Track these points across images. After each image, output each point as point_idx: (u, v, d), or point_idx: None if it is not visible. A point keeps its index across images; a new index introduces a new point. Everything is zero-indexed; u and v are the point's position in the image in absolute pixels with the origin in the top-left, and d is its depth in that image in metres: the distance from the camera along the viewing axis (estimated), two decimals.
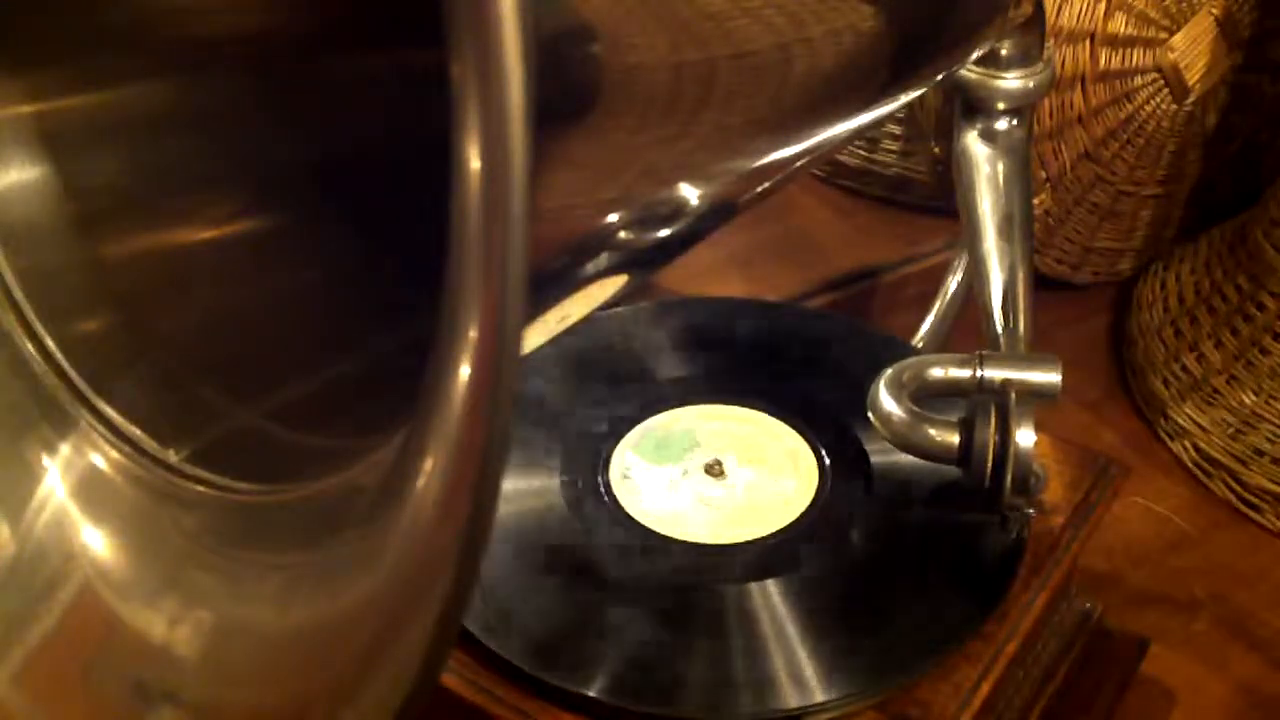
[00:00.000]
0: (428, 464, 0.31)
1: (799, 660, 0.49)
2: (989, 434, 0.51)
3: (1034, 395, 0.53)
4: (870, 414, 0.54)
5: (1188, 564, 0.74)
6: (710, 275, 0.91)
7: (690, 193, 0.41)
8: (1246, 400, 0.78)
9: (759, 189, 0.46)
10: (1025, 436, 0.51)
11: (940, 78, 0.57)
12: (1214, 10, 0.86)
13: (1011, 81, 0.61)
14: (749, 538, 0.54)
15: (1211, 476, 0.79)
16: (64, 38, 0.47)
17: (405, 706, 0.31)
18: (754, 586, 0.52)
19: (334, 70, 0.54)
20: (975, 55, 0.59)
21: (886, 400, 0.53)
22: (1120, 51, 0.84)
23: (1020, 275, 0.61)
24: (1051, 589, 0.54)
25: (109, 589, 0.44)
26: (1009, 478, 0.51)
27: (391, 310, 0.48)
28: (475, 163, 0.27)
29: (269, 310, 0.51)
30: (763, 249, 0.97)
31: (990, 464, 0.51)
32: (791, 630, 0.50)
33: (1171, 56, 0.85)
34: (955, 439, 0.52)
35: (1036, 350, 0.59)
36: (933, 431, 0.53)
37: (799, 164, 0.47)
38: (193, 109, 0.51)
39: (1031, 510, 0.54)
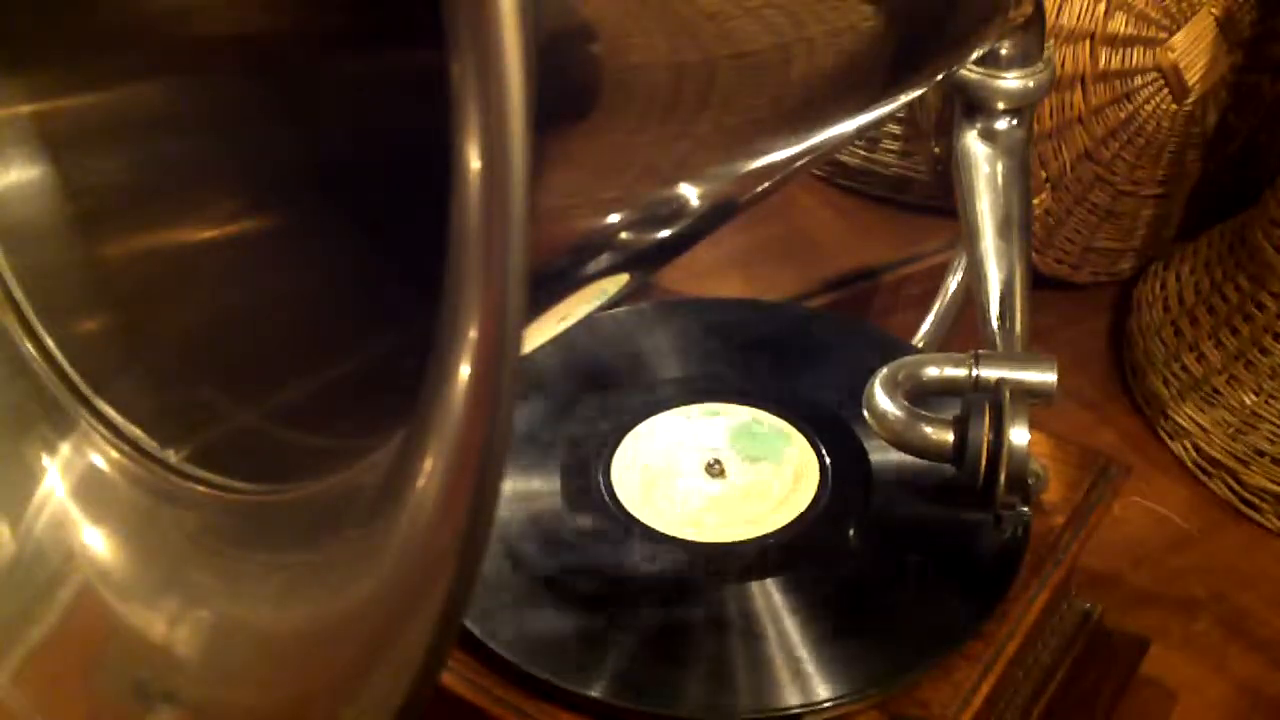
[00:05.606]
0: (428, 464, 0.31)
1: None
2: (983, 432, 0.51)
3: (1030, 395, 0.53)
4: (866, 412, 0.54)
5: (1188, 564, 0.74)
6: (710, 275, 0.91)
7: (690, 192, 0.41)
8: (1246, 400, 0.78)
9: (759, 189, 0.46)
10: (1019, 435, 0.51)
11: (940, 78, 0.57)
12: (1214, 10, 0.86)
13: (1011, 81, 0.61)
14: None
15: (1211, 476, 0.79)
16: (64, 38, 0.47)
17: (405, 706, 0.31)
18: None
19: (334, 70, 0.54)
20: (975, 55, 0.59)
21: (881, 398, 0.53)
22: (1120, 51, 0.84)
23: (1018, 275, 0.61)
24: (1051, 589, 0.54)
25: (109, 589, 0.44)
26: (1003, 476, 0.51)
27: (392, 310, 0.48)
28: (475, 163, 0.27)
29: (269, 310, 0.51)
30: (763, 249, 0.97)
31: (984, 463, 0.51)
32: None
33: (1171, 56, 0.85)
34: (950, 437, 0.52)
35: (1034, 350, 0.59)
36: (927, 430, 0.53)
37: (799, 164, 0.47)
38: (193, 109, 0.51)
39: (1026, 510, 0.54)
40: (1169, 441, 0.81)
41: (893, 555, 0.54)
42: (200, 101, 0.51)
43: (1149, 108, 0.87)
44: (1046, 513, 0.56)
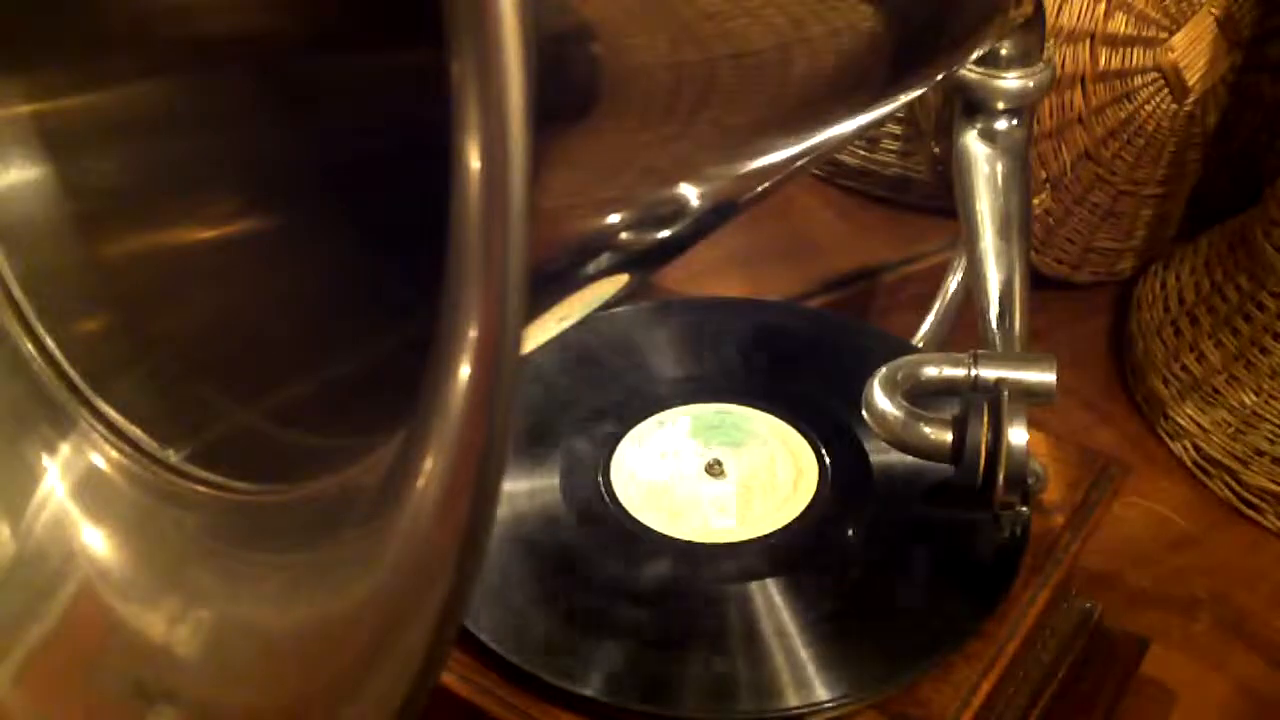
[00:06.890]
0: (428, 464, 0.31)
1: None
2: (981, 432, 0.51)
3: (1029, 395, 0.53)
4: (865, 412, 0.54)
5: (1188, 564, 0.74)
6: (710, 275, 0.91)
7: (690, 193, 0.41)
8: (1246, 400, 0.78)
9: (759, 189, 0.46)
10: (1017, 435, 0.51)
11: (940, 78, 0.57)
12: (1214, 10, 0.86)
13: (1011, 81, 0.61)
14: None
15: (1211, 476, 0.79)
16: (64, 38, 0.47)
17: (405, 706, 0.31)
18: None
19: (335, 70, 0.54)
20: (975, 55, 0.59)
21: (881, 399, 0.53)
22: (1120, 51, 0.84)
23: (1017, 275, 0.61)
24: (1051, 589, 0.54)
25: (109, 589, 0.44)
26: (1001, 476, 0.51)
27: (391, 310, 0.48)
28: (475, 163, 0.27)
29: (269, 310, 0.51)
30: (763, 249, 0.97)
31: (983, 462, 0.51)
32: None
33: (1171, 56, 0.85)
34: (948, 437, 0.52)
35: (1033, 350, 0.59)
36: (926, 429, 0.53)
37: (799, 164, 0.47)
38: (193, 109, 0.51)
39: (1026, 510, 0.54)
40: (1169, 441, 0.81)
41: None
42: (200, 101, 0.51)
43: (1149, 108, 0.87)
44: (1046, 513, 0.56)
